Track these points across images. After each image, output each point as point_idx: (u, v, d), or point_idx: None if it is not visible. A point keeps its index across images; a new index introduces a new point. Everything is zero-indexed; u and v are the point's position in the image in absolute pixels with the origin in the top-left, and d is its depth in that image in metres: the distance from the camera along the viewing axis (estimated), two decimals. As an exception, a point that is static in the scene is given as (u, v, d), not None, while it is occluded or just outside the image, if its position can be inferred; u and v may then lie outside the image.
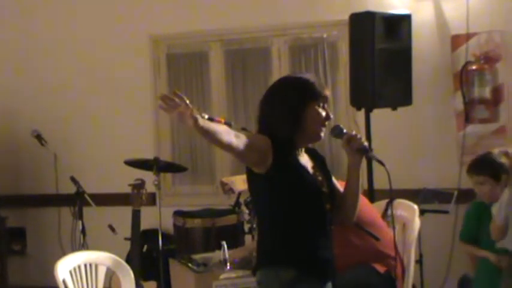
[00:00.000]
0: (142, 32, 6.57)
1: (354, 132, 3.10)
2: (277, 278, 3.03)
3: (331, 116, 3.13)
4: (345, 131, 3.12)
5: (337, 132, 3.14)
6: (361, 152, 3.06)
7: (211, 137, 2.77)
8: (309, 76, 3.16)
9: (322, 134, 3.11)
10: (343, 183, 3.23)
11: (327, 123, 3.11)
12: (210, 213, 5.65)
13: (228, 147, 2.81)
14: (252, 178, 3.09)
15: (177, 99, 2.68)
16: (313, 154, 3.21)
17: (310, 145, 3.22)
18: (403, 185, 3.15)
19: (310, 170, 3.11)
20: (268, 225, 3.10)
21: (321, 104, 3.09)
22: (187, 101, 2.68)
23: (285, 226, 3.05)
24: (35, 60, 6.88)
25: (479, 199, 4.67)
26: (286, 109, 3.06)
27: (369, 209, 4.37)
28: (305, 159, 3.14)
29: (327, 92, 3.13)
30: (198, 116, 2.69)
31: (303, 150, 3.15)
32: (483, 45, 5.75)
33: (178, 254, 5.20)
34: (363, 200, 3.84)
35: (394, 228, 3.79)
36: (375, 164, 4.65)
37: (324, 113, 3.09)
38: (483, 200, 4.61)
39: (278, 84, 3.19)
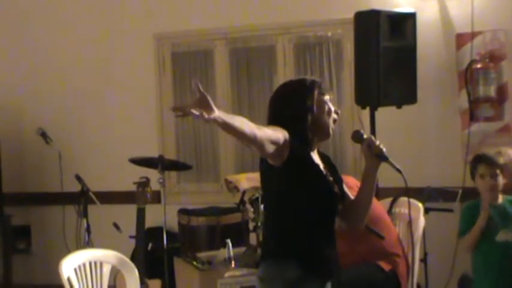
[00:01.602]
0: (146, 31, 6.58)
1: (373, 138, 3.12)
2: (280, 276, 3.02)
3: (339, 111, 3.19)
4: (365, 136, 3.16)
5: (358, 137, 3.18)
6: (380, 158, 3.09)
7: (232, 131, 2.71)
8: (314, 78, 3.23)
9: (331, 130, 3.14)
10: (349, 177, 3.24)
11: (336, 117, 3.15)
12: (214, 212, 5.65)
13: (251, 140, 2.78)
14: (266, 170, 3.08)
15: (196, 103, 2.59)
16: (325, 159, 3.23)
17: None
18: (408, 183, 3.15)
19: (323, 170, 3.13)
20: (277, 220, 3.10)
21: (328, 99, 3.14)
22: (209, 100, 2.59)
23: (293, 223, 3.04)
24: (39, 59, 6.88)
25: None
26: (297, 101, 3.09)
27: (375, 206, 4.37)
28: (317, 159, 3.15)
29: (331, 95, 3.18)
30: (216, 112, 2.59)
31: (316, 150, 3.18)
32: (488, 43, 5.74)
33: (183, 252, 5.21)
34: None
35: (411, 234, 3.78)
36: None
37: (332, 107, 3.14)
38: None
39: (286, 83, 3.25)
